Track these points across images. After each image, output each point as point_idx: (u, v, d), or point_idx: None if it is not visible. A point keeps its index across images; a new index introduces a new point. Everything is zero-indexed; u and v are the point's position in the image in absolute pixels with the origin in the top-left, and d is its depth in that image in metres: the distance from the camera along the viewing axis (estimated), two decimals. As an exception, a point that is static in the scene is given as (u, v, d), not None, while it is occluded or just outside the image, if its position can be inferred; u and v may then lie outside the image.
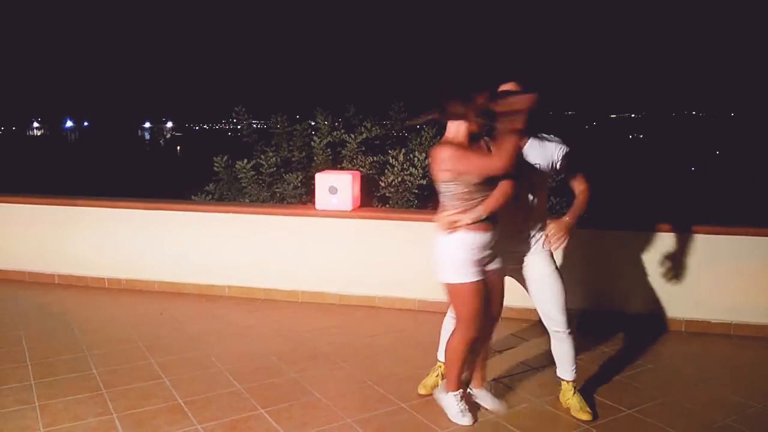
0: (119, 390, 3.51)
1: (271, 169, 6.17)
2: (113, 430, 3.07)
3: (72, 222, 5.61)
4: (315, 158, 6.19)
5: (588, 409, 3.27)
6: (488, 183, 2.94)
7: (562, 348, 3.36)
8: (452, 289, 3.07)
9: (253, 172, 6.20)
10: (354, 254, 5.09)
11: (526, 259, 3.27)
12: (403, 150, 5.91)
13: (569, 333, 3.34)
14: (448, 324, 3.55)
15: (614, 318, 4.64)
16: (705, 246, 4.49)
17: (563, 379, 3.39)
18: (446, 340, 3.55)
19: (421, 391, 3.50)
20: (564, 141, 3.23)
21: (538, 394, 3.51)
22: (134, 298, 5.27)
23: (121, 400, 3.39)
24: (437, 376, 3.53)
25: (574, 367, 3.37)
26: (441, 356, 3.58)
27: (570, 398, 3.34)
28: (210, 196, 6.53)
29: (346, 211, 5.06)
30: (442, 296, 4.73)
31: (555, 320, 3.30)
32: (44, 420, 3.16)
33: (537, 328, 4.31)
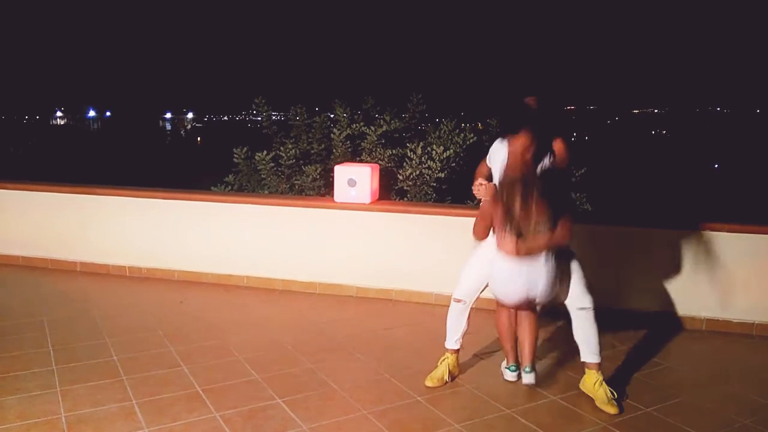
0: (139, 377, 3.56)
1: (291, 161, 6.19)
2: (133, 416, 3.12)
3: (94, 211, 5.68)
4: (334, 150, 6.20)
5: (615, 402, 3.23)
6: None
7: (586, 328, 3.32)
8: None
9: (272, 164, 6.23)
10: (372, 247, 5.10)
11: None
12: (422, 143, 5.90)
13: (592, 314, 3.32)
14: (453, 312, 3.56)
15: (634, 316, 4.60)
16: (727, 245, 4.43)
17: (589, 363, 3.35)
18: (451, 329, 3.58)
19: (429, 383, 3.50)
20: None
21: (554, 390, 3.49)
22: (154, 287, 5.34)
23: (140, 386, 3.44)
24: (444, 367, 3.56)
25: (599, 349, 3.33)
26: (448, 345, 3.59)
27: (597, 389, 3.29)
28: (229, 187, 6.58)
29: (365, 203, 5.07)
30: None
31: (579, 297, 3.28)
32: (66, 405, 3.22)
33: (552, 322, 4.29)
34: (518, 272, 3.12)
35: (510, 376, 3.55)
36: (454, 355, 3.59)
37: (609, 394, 3.26)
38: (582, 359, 3.38)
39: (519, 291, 3.17)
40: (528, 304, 3.30)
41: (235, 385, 3.49)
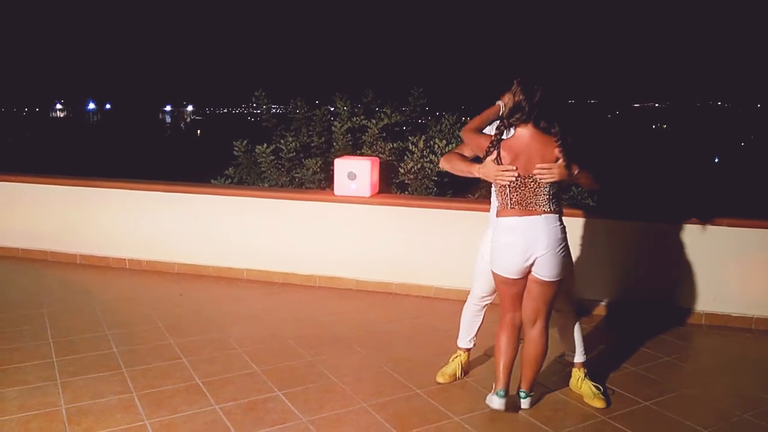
0: (139, 369, 3.56)
1: (291, 154, 6.17)
2: (133, 408, 3.12)
3: (94, 203, 5.68)
4: (335, 144, 6.19)
5: (601, 396, 3.26)
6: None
7: (569, 330, 3.37)
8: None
9: (272, 157, 6.21)
10: (371, 240, 5.10)
11: None
12: (423, 137, 5.88)
13: (574, 313, 3.37)
14: (468, 310, 3.54)
15: (633, 309, 4.61)
16: (727, 238, 4.43)
17: (574, 363, 3.39)
18: (465, 327, 3.56)
19: (440, 379, 3.49)
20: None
21: (553, 383, 3.49)
22: (154, 279, 5.34)
23: (140, 379, 3.44)
24: (456, 364, 3.54)
25: (582, 349, 3.37)
26: (461, 343, 3.58)
27: (582, 385, 3.33)
28: (229, 180, 6.56)
29: (365, 197, 5.06)
30: (458, 283, 4.75)
31: (563, 301, 3.30)
32: (66, 397, 3.22)
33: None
34: (515, 229, 2.95)
35: (497, 403, 3.08)
36: (467, 353, 3.59)
37: (594, 389, 3.29)
38: (566, 359, 3.44)
39: (518, 251, 2.94)
40: (534, 284, 3.02)
41: (234, 377, 3.49)
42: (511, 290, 3.08)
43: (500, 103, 3.14)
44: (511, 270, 3.01)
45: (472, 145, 3.12)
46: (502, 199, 3.01)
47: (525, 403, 3.17)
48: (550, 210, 2.96)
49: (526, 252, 2.95)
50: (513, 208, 2.97)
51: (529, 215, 2.95)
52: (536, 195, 2.94)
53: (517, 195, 2.96)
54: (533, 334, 3.11)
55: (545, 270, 2.97)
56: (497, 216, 3.06)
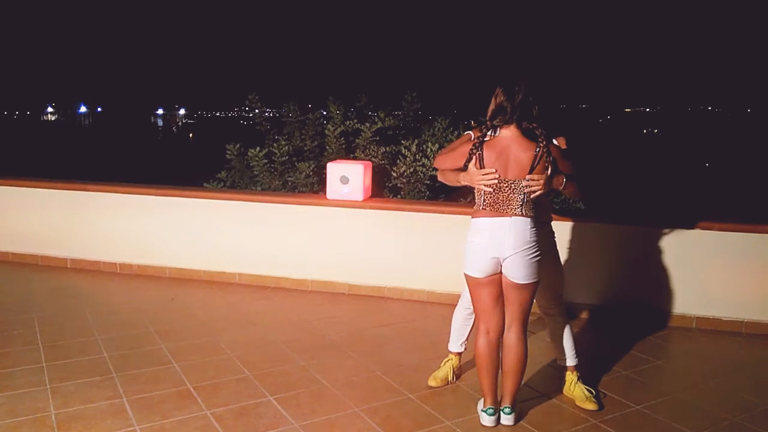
0: (130, 374, 3.54)
1: (284, 158, 6.17)
2: (123, 414, 3.10)
3: (85, 207, 5.65)
4: (328, 147, 6.19)
5: (594, 399, 3.27)
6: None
7: (559, 332, 3.38)
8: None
9: (265, 161, 6.21)
10: (364, 244, 5.10)
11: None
12: (416, 141, 5.89)
13: (565, 317, 3.37)
14: (459, 314, 3.54)
15: (624, 313, 4.62)
16: (718, 243, 4.45)
17: (565, 367, 3.39)
18: (456, 331, 3.56)
19: (432, 383, 3.49)
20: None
21: (545, 387, 3.50)
22: (145, 284, 5.31)
23: (131, 384, 3.42)
24: (447, 368, 3.54)
25: (574, 352, 3.37)
26: (452, 347, 3.58)
27: (574, 389, 3.33)
28: (222, 183, 6.55)
29: (357, 201, 5.06)
30: (450, 288, 4.76)
31: (552, 302, 3.32)
32: (55, 402, 3.20)
33: (542, 321, 4.30)
34: (485, 230, 2.94)
35: (488, 420, 3.04)
36: (458, 357, 3.58)
37: (586, 393, 3.29)
38: (558, 363, 3.44)
39: (486, 252, 2.93)
40: (507, 287, 2.99)
41: (226, 382, 3.48)
42: (482, 293, 3.04)
43: (470, 133, 3.16)
44: (477, 269, 2.99)
45: (454, 158, 3.05)
46: (478, 199, 3.01)
47: (508, 420, 3.06)
48: (522, 213, 2.91)
49: (494, 253, 2.93)
50: (485, 209, 2.96)
51: (498, 216, 2.93)
52: (509, 199, 2.91)
53: (491, 197, 2.94)
54: (510, 338, 3.04)
55: (513, 272, 2.95)
56: (471, 217, 3.05)
